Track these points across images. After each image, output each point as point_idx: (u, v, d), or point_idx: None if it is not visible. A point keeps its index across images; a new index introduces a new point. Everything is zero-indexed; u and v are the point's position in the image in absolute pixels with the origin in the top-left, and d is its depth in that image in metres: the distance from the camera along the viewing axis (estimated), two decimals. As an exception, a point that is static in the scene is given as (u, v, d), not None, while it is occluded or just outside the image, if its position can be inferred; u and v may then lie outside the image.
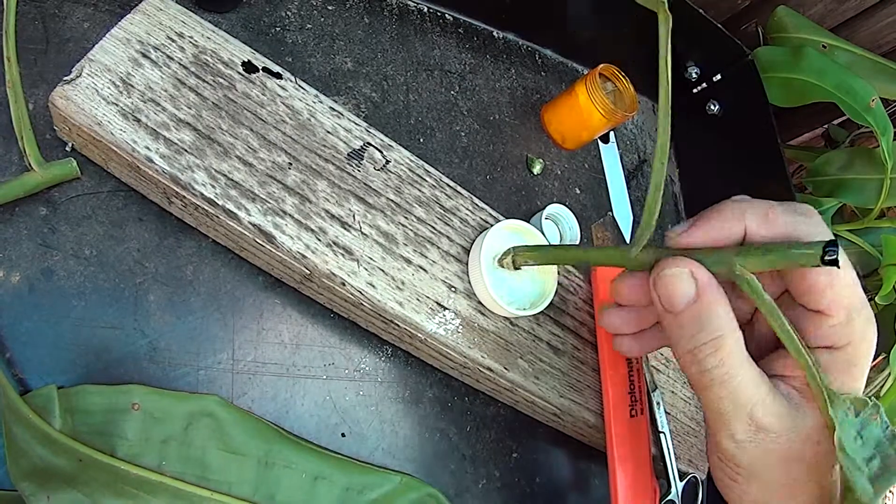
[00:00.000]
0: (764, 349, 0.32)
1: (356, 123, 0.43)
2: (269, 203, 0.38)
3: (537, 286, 0.45)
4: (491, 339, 0.43)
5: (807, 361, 0.28)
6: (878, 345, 0.30)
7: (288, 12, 0.51)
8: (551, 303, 0.45)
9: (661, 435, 0.51)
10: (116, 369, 0.37)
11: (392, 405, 0.45)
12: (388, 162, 0.43)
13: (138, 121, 0.36)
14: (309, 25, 0.52)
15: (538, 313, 0.44)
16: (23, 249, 0.37)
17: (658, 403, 0.51)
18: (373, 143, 0.43)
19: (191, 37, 0.40)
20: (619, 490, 0.45)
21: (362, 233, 0.40)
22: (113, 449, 0.34)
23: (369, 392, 0.44)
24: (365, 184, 0.42)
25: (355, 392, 0.44)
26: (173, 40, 0.39)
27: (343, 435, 0.43)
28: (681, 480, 0.52)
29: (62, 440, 0.33)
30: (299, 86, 0.42)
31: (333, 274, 0.38)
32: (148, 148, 0.36)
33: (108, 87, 0.37)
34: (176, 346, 0.39)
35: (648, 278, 0.31)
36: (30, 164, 0.37)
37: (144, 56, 0.38)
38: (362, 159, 0.42)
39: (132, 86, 0.37)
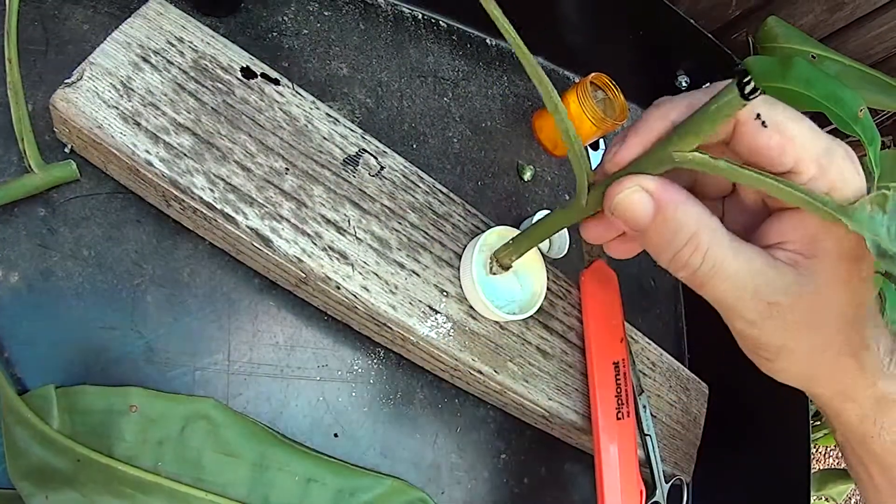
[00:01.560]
0: (756, 218, 0.31)
1: (352, 130, 0.43)
2: (267, 207, 0.38)
3: (527, 291, 0.46)
4: (481, 342, 0.44)
5: (803, 196, 0.26)
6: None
7: (285, 17, 0.52)
8: (540, 307, 0.45)
9: (647, 438, 0.52)
10: (114, 370, 0.38)
11: (384, 406, 0.46)
12: (382, 168, 0.44)
13: (138, 124, 0.37)
14: (305, 31, 0.52)
15: (528, 318, 0.45)
16: (21, 250, 0.37)
17: (644, 407, 0.52)
18: (368, 150, 0.44)
19: (191, 42, 0.40)
20: (606, 491, 0.46)
21: (357, 238, 0.41)
22: (110, 449, 0.35)
23: (362, 393, 0.45)
24: (360, 189, 0.42)
25: (348, 393, 0.44)
26: (173, 45, 0.40)
27: (336, 435, 0.43)
28: (666, 483, 0.53)
29: (61, 440, 0.34)
30: (296, 92, 0.43)
31: (329, 277, 0.39)
32: (148, 151, 0.36)
33: (109, 91, 0.37)
34: (173, 346, 0.40)
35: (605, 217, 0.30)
36: (29, 166, 0.37)
37: (145, 60, 0.38)
38: (357, 165, 0.43)
39: (132, 90, 0.37)
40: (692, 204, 0.28)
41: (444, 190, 0.46)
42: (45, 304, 0.37)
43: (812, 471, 0.62)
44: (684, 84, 0.73)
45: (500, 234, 0.45)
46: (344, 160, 0.42)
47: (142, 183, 0.38)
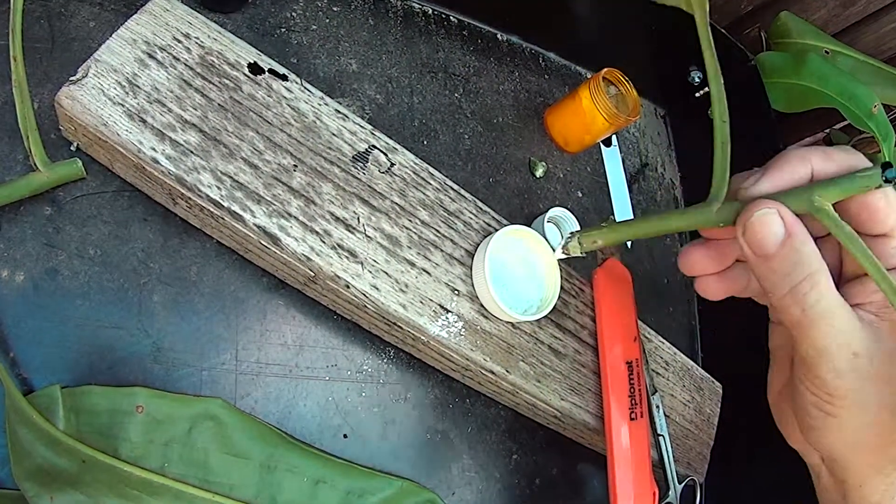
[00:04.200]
0: (836, 281, 0.32)
1: (361, 126, 0.43)
2: (275, 205, 0.38)
3: (540, 291, 0.45)
4: (493, 341, 0.43)
5: (890, 284, 0.28)
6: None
7: (293, 13, 0.51)
8: (554, 306, 0.44)
9: (661, 438, 0.51)
10: (120, 369, 0.37)
11: (394, 407, 0.45)
12: (392, 165, 0.43)
13: (144, 122, 0.36)
14: (314, 26, 0.52)
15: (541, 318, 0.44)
16: (27, 249, 0.37)
17: (657, 407, 0.51)
18: (378, 146, 0.43)
19: (197, 38, 0.39)
20: (619, 492, 0.45)
21: (367, 235, 0.40)
22: (116, 450, 0.34)
23: (372, 394, 0.44)
24: (370, 186, 0.41)
25: (358, 393, 0.44)
26: (179, 41, 0.39)
27: (345, 436, 0.42)
28: (679, 483, 0.52)
29: (66, 441, 0.33)
30: (305, 88, 0.42)
31: (338, 276, 0.38)
32: (154, 149, 0.36)
33: (115, 88, 0.36)
34: (180, 346, 0.39)
35: (728, 234, 0.32)
36: (35, 164, 0.36)
37: (151, 57, 0.38)
38: (367, 162, 0.42)
39: (138, 87, 0.37)
40: (814, 245, 0.29)
41: (455, 187, 0.45)
42: (51, 304, 0.36)
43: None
44: (696, 80, 0.72)
45: (513, 234, 0.44)
46: (353, 157, 0.42)
47: (148, 181, 0.38)
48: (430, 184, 0.44)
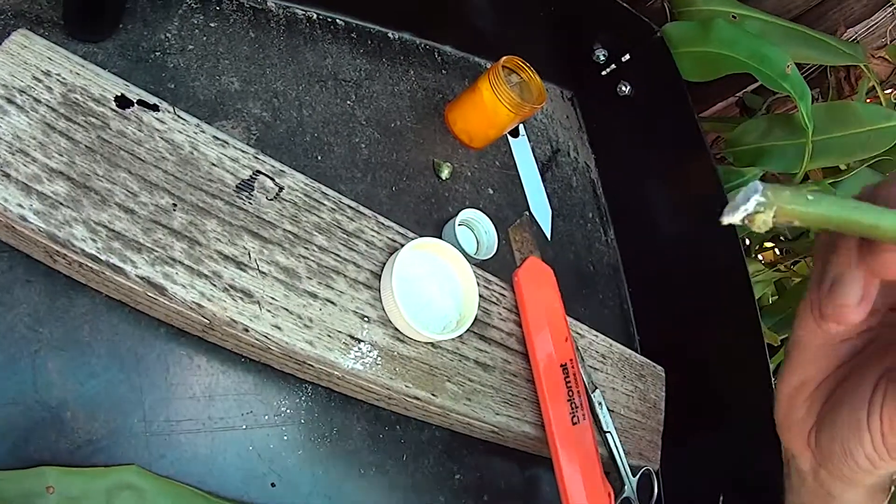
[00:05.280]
0: None
1: (243, 151, 0.42)
2: (157, 251, 0.37)
3: (458, 304, 0.45)
4: (413, 366, 0.43)
5: None
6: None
7: (167, 34, 0.50)
8: (475, 318, 0.45)
9: (608, 434, 0.53)
10: (25, 448, 0.36)
11: (320, 446, 0.45)
12: (281, 189, 0.43)
13: (7, 176, 0.35)
14: (191, 46, 0.51)
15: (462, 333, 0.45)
16: None
17: (600, 403, 0.53)
18: (263, 171, 0.42)
19: (58, 74, 0.38)
20: (572, 501, 0.46)
21: (260, 271, 0.40)
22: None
23: (294, 435, 0.44)
24: (258, 217, 0.41)
25: (279, 438, 0.43)
26: (39, 80, 0.37)
27: (273, 485, 0.42)
28: (634, 476, 0.54)
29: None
30: (178, 116, 0.41)
31: (234, 320, 0.38)
32: (21, 205, 0.34)
33: None
34: (82, 415, 0.38)
35: None
36: None
37: (10, 101, 0.36)
38: (253, 190, 0.41)
39: None
40: None
41: (353, 204, 0.45)
42: None
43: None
44: (602, 57, 0.73)
45: (421, 248, 0.44)
46: (237, 186, 0.41)
47: (22, 240, 0.36)
48: (325, 204, 0.44)
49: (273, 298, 0.39)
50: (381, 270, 0.44)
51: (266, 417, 0.43)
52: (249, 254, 0.40)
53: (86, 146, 0.38)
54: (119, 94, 0.40)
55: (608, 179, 0.77)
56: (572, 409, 0.48)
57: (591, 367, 0.54)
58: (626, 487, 0.53)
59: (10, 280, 0.38)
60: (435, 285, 0.45)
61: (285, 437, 0.44)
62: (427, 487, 0.48)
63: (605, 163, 0.78)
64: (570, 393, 0.49)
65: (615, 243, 0.74)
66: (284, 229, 0.42)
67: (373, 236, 0.45)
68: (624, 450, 0.53)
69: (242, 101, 0.52)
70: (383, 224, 0.46)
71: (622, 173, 0.76)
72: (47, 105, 0.37)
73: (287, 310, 0.40)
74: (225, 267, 0.39)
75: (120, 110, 0.39)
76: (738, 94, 0.89)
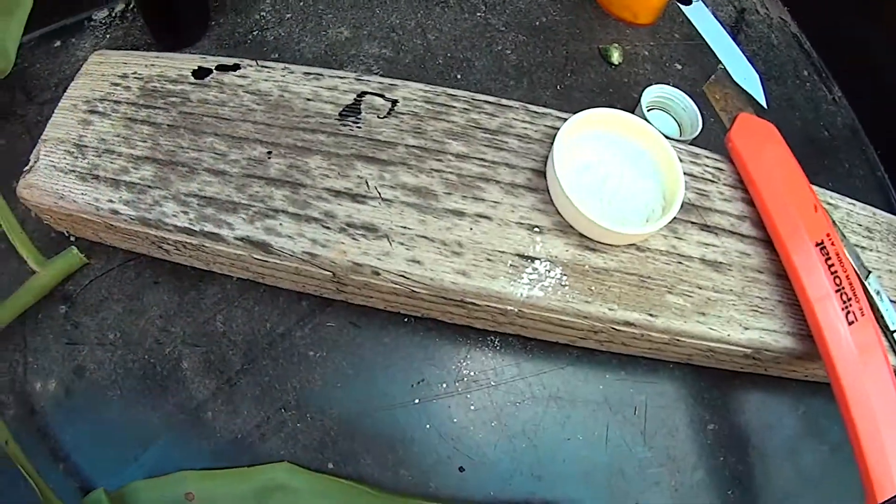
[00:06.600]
0: None
1: (341, 77, 0.37)
2: (255, 206, 0.33)
3: (659, 186, 0.34)
4: (616, 279, 0.33)
5: None
6: None
7: (261, 14, 0.49)
8: (685, 202, 0.34)
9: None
10: (165, 454, 0.34)
11: (519, 411, 0.36)
12: (395, 103, 0.37)
13: (97, 177, 0.34)
14: (288, 15, 0.49)
15: (671, 222, 0.34)
16: (52, 354, 0.36)
17: (878, 293, 0.36)
18: (369, 90, 0.37)
19: (134, 72, 0.38)
20: (865, 443, 0.31)
21: (383, 199, 0.33)
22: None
23: (483, 403, 0.36)
24: (371, 140, 0.35)
25: (464, 409, 0.36)
26: (117, 84, 0.37)
27: (461, 469, 0.35)
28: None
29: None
30: (262, 66, 0.38)
31: (357, 264, 0.32)
32: (111, 200, 0.33)
33: (64, 158, 0.35)
34: (224, 413, 0.35)
35: None
36: (33, 267, 0.36)
37: (92, 112, 0.36)
38: (360, 114, 0.36)
39: (85, 146, 0.35)
40: None
41: (491, 99, 0.37)
42: (84, 404, 0.35)
43: None
44: None
45: (590, 122, 0.35)
46: (340, 113, 0.36)
47: (129, 238, 0.35)
48: (454, 106, 0.37)
49: (405, 228, 0.33)
50: (545, 165, 0.35)
51: (443, 386, 0.36)
52: (367, 182, 0.34)
53: (168, 125, 0.36)
54: (196, 68, 0.38)
55: (812, 30, 0.61)
56: (844, 301, 0.33)
57: (856, 245, 0.37)
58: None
59: (139, 286, 0.38)
60: (622, 168, 0.35)
61: (472, 407, 0.36)
62: (667, 447, 0.37)
63: (804, 12, 0.62)
64: (838, 281, 0.33)
65: (844, 101, 0.58)
66: (407, 145, 0.35)
67: (525, 128, 0.37)
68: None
69: (357, 46, 0.48)
70: (536, 112, 0.37)
71: (827, 20, 0.60)
72: (127, 102, 0.37)
73: (426, 237, 0.33)
74: (339, 204, 0.33)
75: (199, 81, 0.38)
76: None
